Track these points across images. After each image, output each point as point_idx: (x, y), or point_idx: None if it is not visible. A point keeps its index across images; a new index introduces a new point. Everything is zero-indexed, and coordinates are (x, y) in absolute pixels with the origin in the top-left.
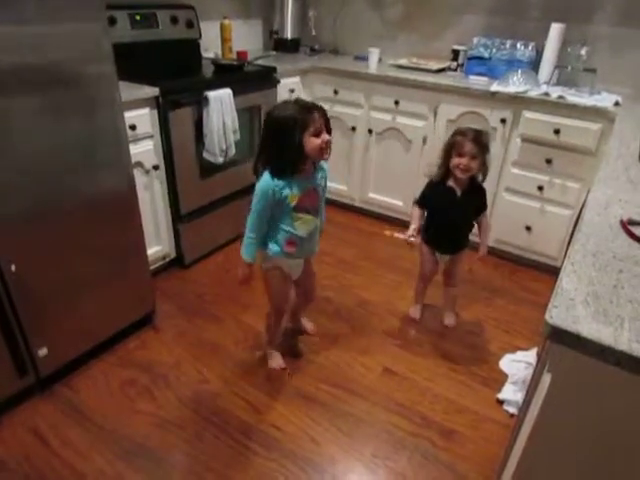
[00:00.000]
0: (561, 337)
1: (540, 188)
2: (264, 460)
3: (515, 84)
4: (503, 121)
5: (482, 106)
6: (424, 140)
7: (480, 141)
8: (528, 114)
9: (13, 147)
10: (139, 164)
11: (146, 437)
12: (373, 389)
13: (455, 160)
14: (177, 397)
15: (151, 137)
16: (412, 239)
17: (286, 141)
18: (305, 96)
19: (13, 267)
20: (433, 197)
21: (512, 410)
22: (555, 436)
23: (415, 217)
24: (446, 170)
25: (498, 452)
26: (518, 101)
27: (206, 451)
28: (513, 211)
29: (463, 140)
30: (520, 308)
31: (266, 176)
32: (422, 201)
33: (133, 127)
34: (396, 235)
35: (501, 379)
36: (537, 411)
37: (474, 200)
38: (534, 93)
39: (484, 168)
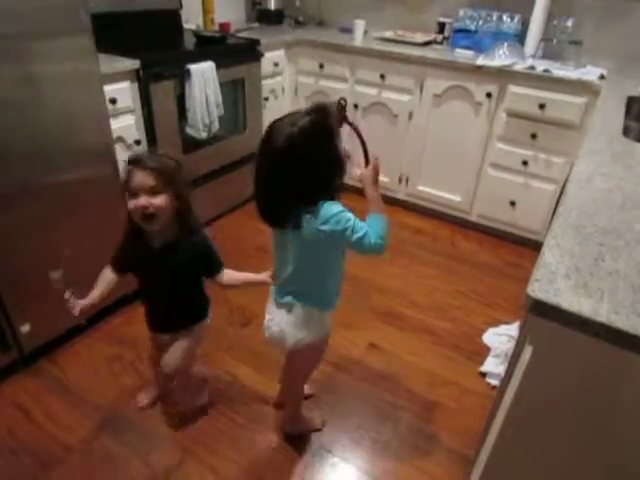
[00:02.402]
0: (542, 310)
1: (525, 163)
2: (251, 433)
3: (501, 57)
4: (489, 95)
5: (468, 80)
6: (410, 115)
7: (160, 167)
8: (514, 88)
9: None
10: (120, 139)
11: (132, 412)
12: (358, 363)
13: (130, 202)
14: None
15: (132, 111)
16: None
17: (329, 152)
18: (290, 69)
19: None
20: (129, 253)
21: (494, 382)
22: (535, 406)
23: (100, 283)
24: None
25: (480, 423)
26: (504, 75)
27: (193, 425)
28: (497, 186)
29: (132, 170)
30: (503, 282)
31: (330, 203)
32: (117, 259)
33: (113, 101)
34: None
35: (484, 352)
36: (518, 382)
37: (184, 255)
38: (520, 67)
39: (184, 204)
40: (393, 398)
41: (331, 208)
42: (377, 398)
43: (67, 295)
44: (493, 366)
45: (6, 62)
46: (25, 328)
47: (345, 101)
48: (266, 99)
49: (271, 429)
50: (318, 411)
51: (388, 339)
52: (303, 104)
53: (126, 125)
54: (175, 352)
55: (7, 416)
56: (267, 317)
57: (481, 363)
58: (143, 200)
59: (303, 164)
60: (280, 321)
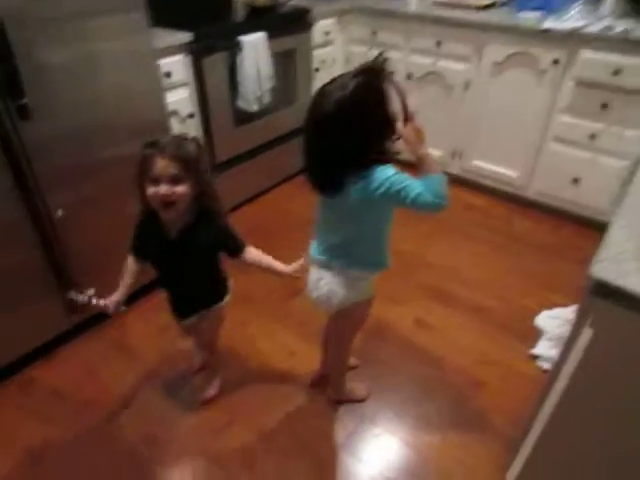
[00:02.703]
0: (606, 292)
1: (592, 136)
2: (298, 399)
3: (572, 19)
4: (555, 62)
5: (533, 45)
6: (466, 85)
7: (183, 155)
8: (585, 53)
9: (54, 100)
10: (175, 113)
11: (186, 376)
12: (404, 338)
13: (150, 189)
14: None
15: (186, 85)
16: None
17: (379, 115)
18: (341, 38)
19: (60, 212)
20: (145, 239)
21: (546, 366)
22: (592, 394)
23: (125, 273)
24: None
25: (528, 406)
26: (574, 39)
27: (242, 390)
28: (560, 162)
29: (153, 156)
30: (561, 264)
31: (383, 167)
32: (136, 246)
33: (168, 75)
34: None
35: (536, 335)
36: (574, 367)
37: (204, 240)
38: (594, 28)
39: (205, 189)
40: (438, 374)
41: (384, 172)
42: (422, 373)
43: (94, 301)
44: (545, 349)
45: (64, 41)
46: (90, 293)
47: (385, 56)
48: (317, 70)
49: (317, 396)
50: (363, 383)
51: (435, 315)
52: None
53: (180, 99)
54: (205, 331)
55: (75, 373)
56: (314, 277)
57: (532, 346)
58: (165, 188)
59: (353, 128)
60: (330, 281)
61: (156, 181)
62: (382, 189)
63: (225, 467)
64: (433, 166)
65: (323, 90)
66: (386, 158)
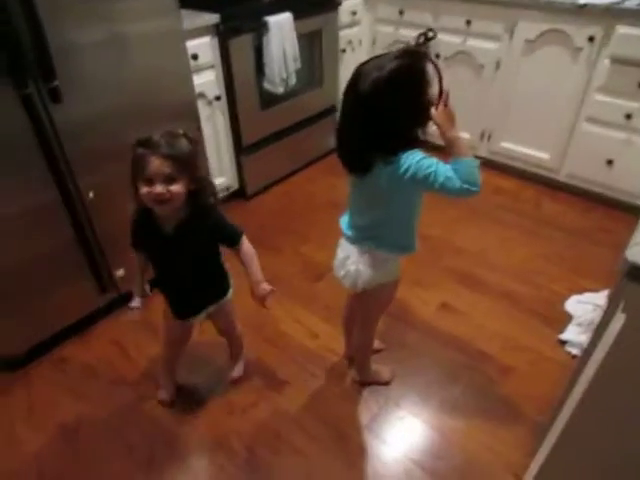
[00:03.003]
0: None
1: (628, 116)
2: (322, 381)
3: None
4: (591, 39)
5: (567, 22)
6: (497, 64)
7: (176, 154)
8: (623, 29)
9: (85, 82)
10: (202, 95)
11: (212, 355)
12: (429, 322)
13: (143, 189)
14: (240, 321)
15: (212, 67)
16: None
17: (415, 100)
18: (368, 18)
19: (91, 194)
20: (142, 237)
21: (575, 351)
22: (622, 379)
23: (136, 268)
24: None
25: (556, 391)
26: (612, 14)
27: (267, 372)
28: (593, 143)
29: (146, 155)
30: (592, 248)
31: (411, 152)
32: (135, 242)
33: (195, 57)
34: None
35: (564, 320)
36: (605, 353)
37: (200, 234)
38: (632, 3)
39: (200, 185)
40: (465, 359)
41: (412, 156)
42: (448, 357)
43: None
44: (574, 334)
45: (94, 23)
46: (120, 272)
47: (434, 33)
48: (343, 51)
49: (341, 378)
50: (387, 366)
51: (462, 300)
52: None
53: (207, 81)
54: (220, 325)
55: (107, 350)
56: (341, 256)
57: (561, 331)
58: (160, 188)
59: (387, 110)
60: (357, 260)
61: (150, 181)
62: (409, 174)
63: (249, 447)
64: (464, 149)
65: (361, 69)
66: (415, 144)
